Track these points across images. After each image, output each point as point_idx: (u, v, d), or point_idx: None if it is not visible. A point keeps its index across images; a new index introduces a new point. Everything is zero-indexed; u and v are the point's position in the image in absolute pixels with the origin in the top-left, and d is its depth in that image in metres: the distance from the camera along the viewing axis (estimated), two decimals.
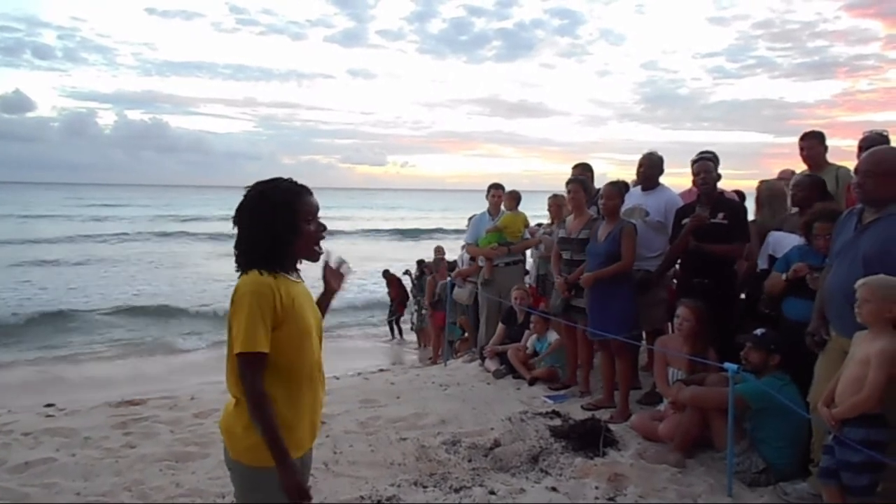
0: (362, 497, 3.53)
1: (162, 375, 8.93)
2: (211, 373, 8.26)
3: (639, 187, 5.40)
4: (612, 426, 4.38)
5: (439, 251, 9.40)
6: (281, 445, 1.87)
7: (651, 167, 5.34)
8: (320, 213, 2.08)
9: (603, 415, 4.67)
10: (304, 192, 2.01)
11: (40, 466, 3.98)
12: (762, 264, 4.62)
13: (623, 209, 5.07)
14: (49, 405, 5.90)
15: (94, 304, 14.79)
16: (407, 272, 11.55)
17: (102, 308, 14.28)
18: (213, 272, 20.24)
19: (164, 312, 14.16)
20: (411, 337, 12.05)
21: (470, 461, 4.04)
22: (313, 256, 2.08)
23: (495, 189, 6.97)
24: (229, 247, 2.14)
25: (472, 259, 7.48)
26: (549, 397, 5.28)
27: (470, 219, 7.45)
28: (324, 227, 2.05)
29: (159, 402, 5.61)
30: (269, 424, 1.86)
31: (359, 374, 7.48)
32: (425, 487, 3.66)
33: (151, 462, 4.07)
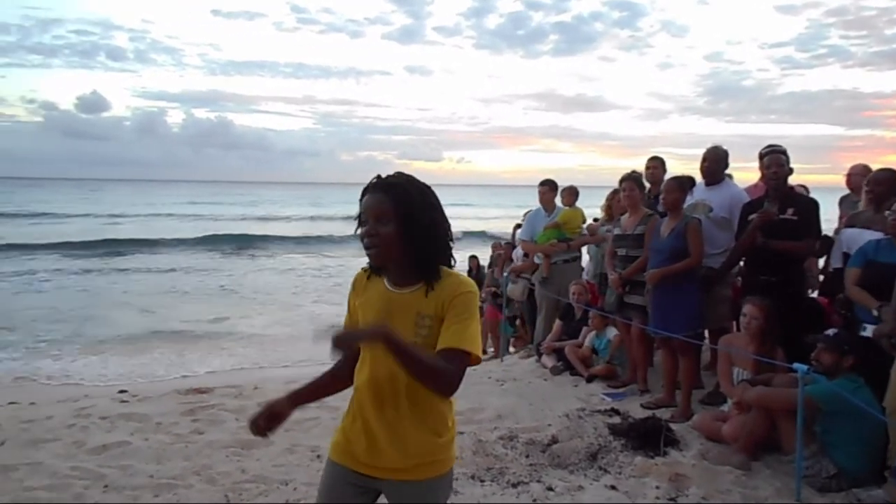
0: None
1: None
2: None
3: (703, 182, 5.26)
4: (672, 425, 4.29)
5: (497, 247, 9.40)
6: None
7: (716, 161, 5.20)
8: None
9: (663, 414, 4.58)
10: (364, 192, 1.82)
11: (116, 449, 4.19)
12: (835, 263, 4.45)
13: (686, 204, 4.95)
14: (122, 391, 6.20)
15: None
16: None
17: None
18: None
19: None
20: None
21: (527, 457, 4.03)
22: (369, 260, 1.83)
23: (543, 186, 6.93)
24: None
25: (526, 255, 7.45)
26: (607, 395, 5.22)
27: (526, 214, 7.42)
28: (361, 232, 1.77)
29: (225, 390, 5.81)
30: None
31: None
32: (482, 481, 3.68)
33: (218, 448, 4.22)
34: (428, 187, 1.82)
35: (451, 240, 1.85)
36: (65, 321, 12.27)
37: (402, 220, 1.72)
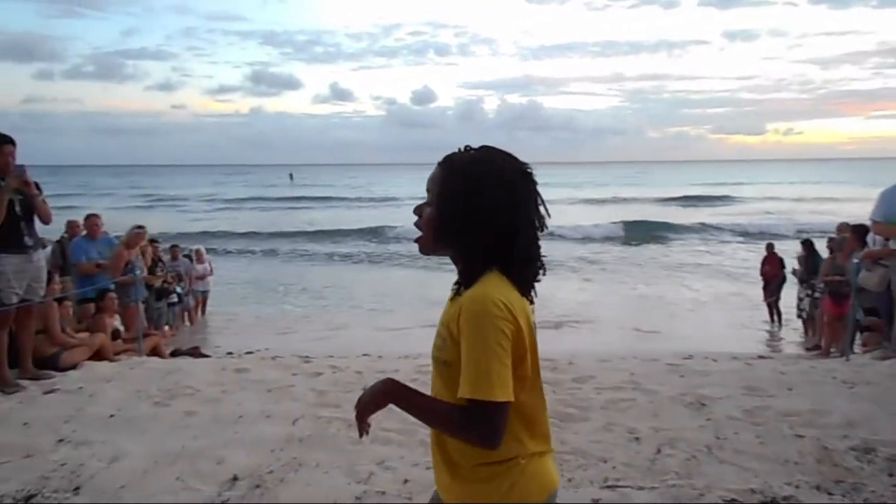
0: (752, 490, 3.25)
1: None
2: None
3: None
4: None
5: (843, 229, 8.09)
6: None
7: None
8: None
9: None
10: None
11: None
12: None
13: None
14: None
15: None
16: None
17: None
18: None
19: None
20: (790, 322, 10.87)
21: (890, 475, 3.39)
22: None
23: None
24: None
25: (886, 239, 6.32)
26: None
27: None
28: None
29: (543, 363, 6.04)
30: None
31: (734, 357, 6.98)
32: (830, 494, 3.21)
33: None
34: (502, 169, 1.43)
35: (516, 244, 1.42)
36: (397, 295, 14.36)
37: (440, 206, 1.44)
